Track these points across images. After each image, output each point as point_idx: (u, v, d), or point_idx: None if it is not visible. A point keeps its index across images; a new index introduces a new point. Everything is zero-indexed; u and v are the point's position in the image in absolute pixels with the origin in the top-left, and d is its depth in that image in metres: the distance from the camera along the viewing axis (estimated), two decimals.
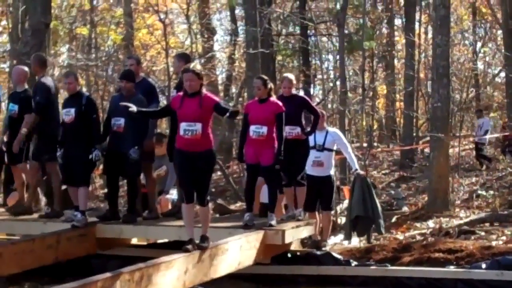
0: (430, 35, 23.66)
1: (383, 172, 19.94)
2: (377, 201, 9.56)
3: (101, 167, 9.47)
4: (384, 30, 26.19)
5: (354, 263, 8.28)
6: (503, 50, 20.47)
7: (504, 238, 9.82)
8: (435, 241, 9.21)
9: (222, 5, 27.12)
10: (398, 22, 26.82)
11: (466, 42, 26.36)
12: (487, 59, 27.84)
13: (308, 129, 8.52)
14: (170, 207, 9.57)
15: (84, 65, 21.60)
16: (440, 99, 12.63)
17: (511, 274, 7.58)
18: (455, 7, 25.18)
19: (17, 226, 8.63)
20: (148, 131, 8.34)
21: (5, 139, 9.10)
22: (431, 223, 11.43)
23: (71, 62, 22.56)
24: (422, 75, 25.24)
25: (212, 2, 26.24)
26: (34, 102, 8.52)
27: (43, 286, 8.20)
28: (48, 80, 8.77)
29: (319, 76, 26.01)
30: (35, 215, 8.74)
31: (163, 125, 22.69)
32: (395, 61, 26.17)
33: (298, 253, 8.52)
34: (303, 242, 9.10)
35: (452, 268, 7.93)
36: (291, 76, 8.82)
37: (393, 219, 12.20)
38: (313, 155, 8.94)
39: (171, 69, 16.67)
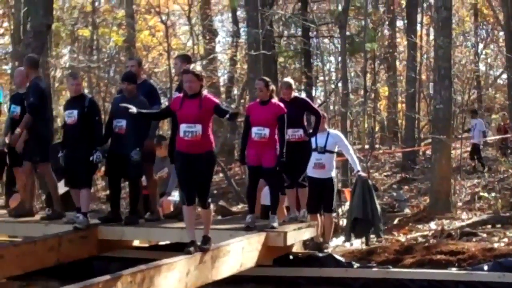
0: (432, 37, 23.65)
1: (385, 174, 19.93)
2: (377, 204, 9.55)
3: (103, 168, 9.47)
4: (386, 32, 26.18)
5: (356, 265, 8.26)
6: (504, 52, 20.47)
7: (506, 240, 9.81)
8: (437, 243, 9.19)
9: (224, 6, 27.14)
10: (399, 23, 26.86)
11: (468, 43, 26.33)
12: (489, 60, 27.86)
13: (310, 130, 8.53)
14: (172, 209, 9.58)
15: (86, 67, 21.63)
16: (442, 101, 12.63)
17: None
18: (457, 8, 25.18)
19: (19, 228, 8.62)
20: (149, 133, 8.35)
21: (6, 140, 9.10)
22: (433, 225, 11.42)
23: (72, 63, 22.58)
24: (424, 76, 25.24)
25: (214, 3, 26.27)
26: (28, 103, 8.52)
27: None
28: (41, 82, 8.79)
29: (321, 78, 26.04)
30: (37, 217, 8.74)
31: (165, 127, 22.69)
32: (397, 62, 26.17)
33: (300, 255, 8.51)
34: (305, 244, 9.08)
35: (454, 270, 7.91)
36: (289, 81, 8.72)
37: (395, 221, 12.21)
38: (314, 157, 8.93)
39: (173, 70, 16.68)
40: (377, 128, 26.37)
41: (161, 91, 14.40)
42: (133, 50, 22.53)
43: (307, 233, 8.48)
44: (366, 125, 21.08)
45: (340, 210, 11.65)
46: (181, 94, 6.77)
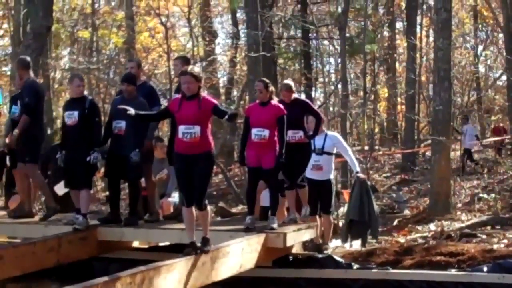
0: (431, 39, 23.68)
1: (385, 175, 19.95)
2: (375, 206, 9.48)
3: (102, 170, 9.47)
4: (386, 33, 26.22)
5: (355, 266, 8.26)
6: (504, 53, 20.50)
7: (505, 241, 9.81)
8: (437, 244, 9.20)
9: (224, 8, 27.17)
10: (399, 25, 26.92)
11: (468, 45, 26.39)
12: (488, 62, 27.90)
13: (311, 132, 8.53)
14: (171, 210, 9.58)
15: (86, 68, 21.64)
16: (442, 102, 12.64)
17: None
18: (457, 10, 25.22)
19: (19, 229, 8.61)
20: (147, 134, 8.35)
21: (7, 141, 9.09)
22: (432, 226, 11.43)
23: (72, 65, 22.60)
24: (423, 78, 25.29)
25: (214, 5, 26.28)
26: (23, 104, 8.52)
27: None
28: (35, 82, 8.79)
29: (321, 79, 26.04)
30: (36, 218, 8.74)
31: (165, 128, 22.71)
32: (397, 64, 26.20)
33: (300, 256, 8.51)
34: (304, 245, 9.09)
35: (453, 271, 7.91)
36: (290, 83, 8.69)
37: (395, 222, 12.21)
38: (312, 158, 8.88)
39: (173, 72, 16.69)
40: (376, 130, 26.39)
41: (161, 92, 14.42)
42: (133, 51, 22.55)
43: (307, 234, 8.48)
44: (365, 127, 21.08)
45: (339, 212, 11.64)
46: (180, 96, 6.77)
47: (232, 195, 17.74)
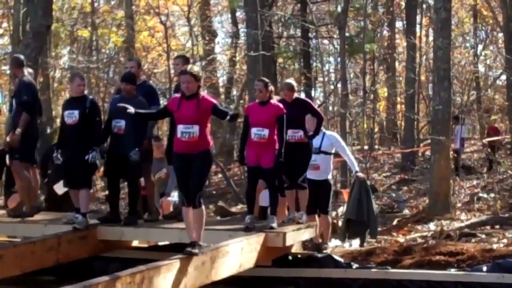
0: (431, 38, 23.65)
1: (384, 174, 19.94)
2: (373, 205, 9.47)
3: (102, 169, 9.47)
4: (385, 33, 26.20)
5: (355, 265, 8.27)
6: (504, 53, 20.48)
7: (505, 241, 9.82)
8: (436, 243, 9.20)
9: (223, 7, 27.14)
10: (399, 24, 26.88)
11: (467, 44, 26.33)
12: (488, 62, 27.84)
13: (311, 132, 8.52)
14: (171, 209, 9.58)
15: (85, 67, 21.63)
16: (441, 102, 12.63)
17: None
18: (456, 10, 25.19)
19: (18, 228, 8.61)
20: (147, 133, 8.35)
21: (8, 139, 9.08)
22: (432, 226, 11.42)
23: (72, 64, 22.58)
24: (423, 77, 25.26)
25: (213, 4, 26.27)
26: (21, 102, 8.51)
27: None
28: (30, 80, 8.80)
29: (320, 79, 26.00)
30: (36, 217, 8.73)
31: (164, 128, 22.71)
32: (396, 63, 26.17)
33: (299, 256, 8.52)
34: (304, 244, 9.09)
35: (453, 271, 7.92)
36: (292, 83, 8.65)
37: (394, 222, 12.20)
38: None
39: (172, 71, 16.69)
40: (376, 129, 26.36)
41: (160, 92, 14.42)
42: (133, 50, 22.53)
43: (306, 234, 8.48)
44: (365, 126, 21.03)
45: (339, 211, 11.64)
46: (179, 95, 6.76)
47: (231, 195, 17.72)
